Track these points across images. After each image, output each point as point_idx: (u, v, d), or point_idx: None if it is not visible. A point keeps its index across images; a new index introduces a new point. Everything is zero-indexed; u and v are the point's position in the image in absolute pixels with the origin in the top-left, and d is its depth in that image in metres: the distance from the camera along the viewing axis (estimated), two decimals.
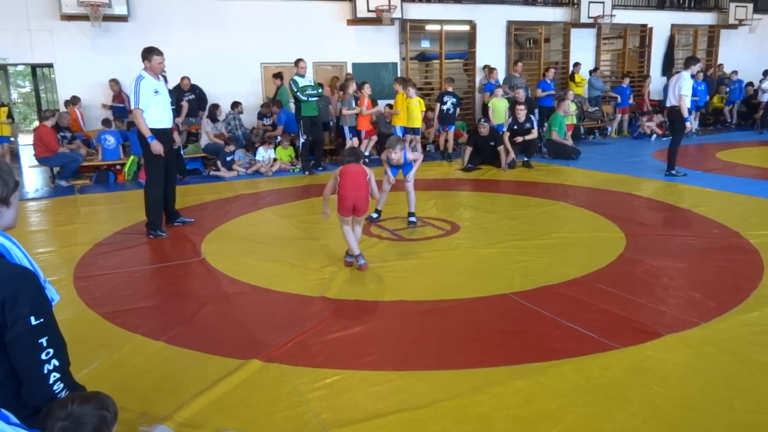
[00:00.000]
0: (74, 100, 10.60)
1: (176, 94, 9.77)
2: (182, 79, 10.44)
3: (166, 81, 6.35)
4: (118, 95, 10.75)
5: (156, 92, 5.88)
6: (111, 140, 9.74)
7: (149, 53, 5.87)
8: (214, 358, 3.24)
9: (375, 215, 6.34)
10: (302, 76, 9.63)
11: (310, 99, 9.57)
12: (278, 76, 10.97)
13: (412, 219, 6.20)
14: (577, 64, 14.18)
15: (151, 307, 4.13)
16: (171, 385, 2.98)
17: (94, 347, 3.44)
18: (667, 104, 8.65)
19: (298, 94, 9.47)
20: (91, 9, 9.97)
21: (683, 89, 8.11)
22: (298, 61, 9.71)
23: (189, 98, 10.56)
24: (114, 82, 10.71)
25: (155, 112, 5.90)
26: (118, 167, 9.89)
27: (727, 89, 15.41)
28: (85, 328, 3.75)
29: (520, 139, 9.89)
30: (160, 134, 5.96)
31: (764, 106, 14.35)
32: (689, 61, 8.51)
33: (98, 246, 5.69)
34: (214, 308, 4.05)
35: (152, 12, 10.88)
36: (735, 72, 15.43)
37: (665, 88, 13.78)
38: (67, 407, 1.78)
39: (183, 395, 2.86)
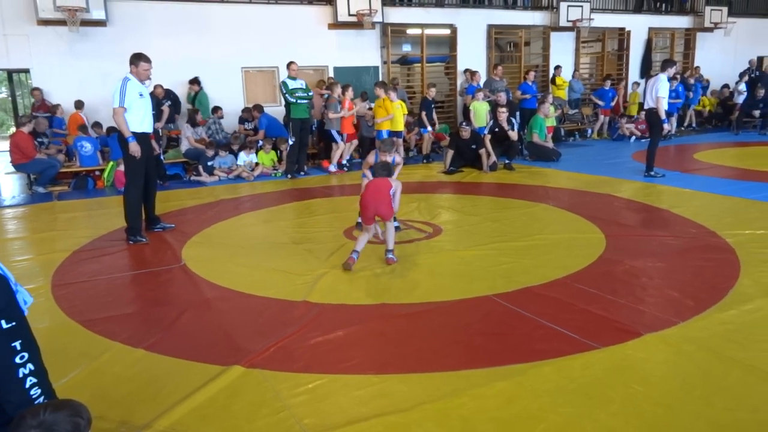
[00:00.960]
0: (78, 104, 10.43)
1: (153, 100, 9.67)
2: (155, 87, 10.18)
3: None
4: (42, 104, 10.50)
5: (140, 95, 5.90)
6: (88, 147, 9.61)
7: (137, 59, 5.90)
8: (195, 365, 3.21)
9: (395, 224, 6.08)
10: (294, 78, 9.64)
11: (299, 101, 9.58)
12: (195, 81, 10.74)
13: (395, 224, 6.14)
14: (558, 67, 14.32)
15: (131, 314, 4.08)
16: (151, 392, 2.95)
17: (72, 356, 3.39)
18: (645, 106, 8.81)
19: (287, 96, 9.48)
20: (68, 14, 9.85)
21: (660, 91, 8.24)
22: (290, 64, 9.73)
23: (168, 104, 10.46)
24: (37, 91, 10.47)
25: (137, 115, 5.90)
26: (97, 173, 9.77)
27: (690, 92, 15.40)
28: (64, 337, 3.69)
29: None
30: (140, 138, 5.93)
31: (739, 107, 14.60)
32: (666, 64, 8.63)
33: (77, 253, 5.62)
34: (195, 314, 4.01)
35: (131, 17, 10.78)
36: (697, 73, 15.55)
37: (644, 91, 14.03)
38: (39, 415, 1.75)
39: (163, 403, 2.83)
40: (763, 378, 2.89)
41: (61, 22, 10.06)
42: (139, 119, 5.93)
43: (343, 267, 4.79)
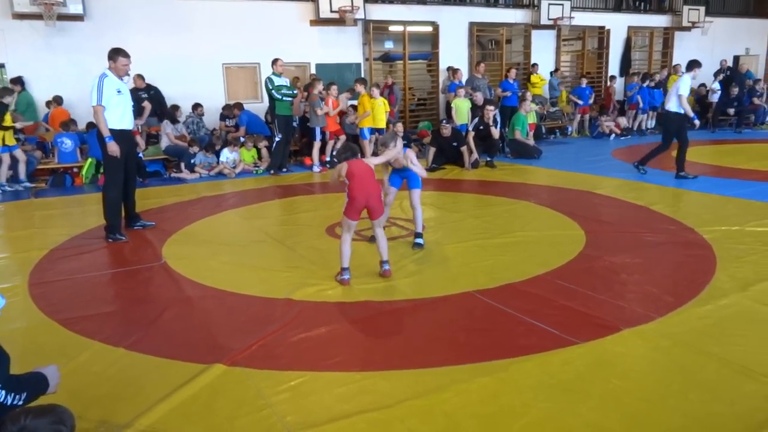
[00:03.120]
0: (58, 100, 10.22)
1: (133, 94, 9.53)
2: (135, 78, 9.97)
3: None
4: None
5: (119, 92, 5.79)
6: (68, 143, 9.47)
7: (116, 54, 5.79)
8: (176, 364, 3.19)
9: (419, 241, 5.36)
10: (279, 75, 9.58)
11: (284, 98, 9.53)
12: (17, 81, 10.15)
13: (419, 241, 5.36)
14: (534, 65, 14.42)
15: (111, 313, 4.04)
16: (131, 392, 2.92)
17: (50, 355, 3.34)
18: (665, 108, 8.36)
19: (273, 92, 9.43)
20: (44, 8, 9.66)
21: (680, 89, 8.18)
22: (275, 60, 9.66)
23: (145, 96, 10.19)
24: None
25: (116, 112, 5.81)
26: (75, 170, 9.62)
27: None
28: (42, 336, 3.64)
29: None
30: (120, 135, 5.85)
31: (715, 105, 14.84)
32: (692, 65, 8.48)
33: (54, 251, 5.53)
34: (176, 313, 3.98)
35: (109, 11, 10.61)
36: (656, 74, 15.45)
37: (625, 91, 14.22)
38: (20, 421, 1.71)
39: (144, 402, 2.80)
40: (738, 371, 2.94)
41: (37, 16, 9.86)
42: (118, 116, 5.84)
43: (382, 275, 4.49)
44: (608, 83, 15.34)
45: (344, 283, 4.38)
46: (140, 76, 10.10)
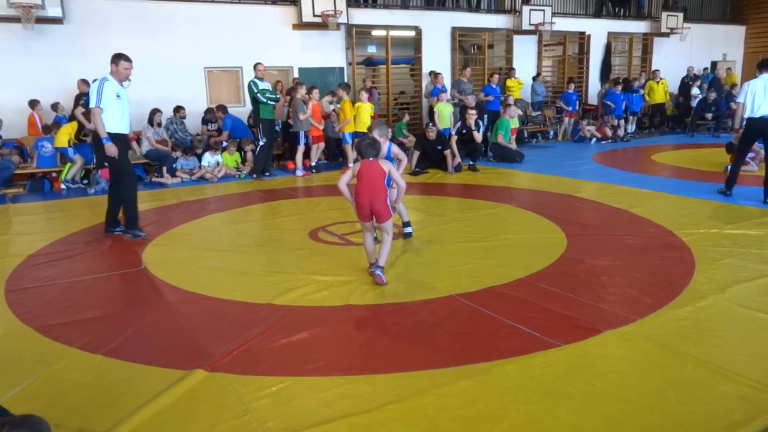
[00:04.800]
0: (32, 103, 10.07)
1: (78, 99, 9.47)
2: (80, 82, 9.78)
3: None
4: None
5: (117, 96, 5.88)
6: (48, 147, 9.35)
7: (118, 58, 5.97)
8: (156, 370, 3.16)
9: (408, 229, 5.70)
10: (261, 79, 9.55)
11: (269, 102, 9.51)
12: None
13: (408, 229, 5.74)
14: (511, 69, 14.52)
15: (89, 320, 3.98)
16: (110, 399, 2.88)
17: (27, 363, 3.29)
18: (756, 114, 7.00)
19: (258, 95, 9.39)
20: (22, 10, 9.53)
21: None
22: (257, 64, 9.62)
23: (82, 102, 9.83)
24: None
25: (114, 116, 5.89)
26: (54, 174, 9.50)
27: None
28: (18, 344, 3.58)
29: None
30: (117, 139, 5.90)
31: (694, 110, 15.07)
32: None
33: (32, 257, 5.45)
34: (156, 318, 3.94)
35: (89, 14, 10.50)
36: (635, 79, 15.56)
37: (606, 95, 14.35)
38: None
39: (123, 409, 2.77)
40: (715, 372, 2.99)
41: (15, 19, 9.73)
42: (116, 120, 5.91)
43: (372, 276, 4.47)
44: (600, 89, 15.46)
45: (377, 279, 4.36)
46: (84, 81, 9.82)
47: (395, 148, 5.43)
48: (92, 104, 5.77)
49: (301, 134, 10.06)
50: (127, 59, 5.99)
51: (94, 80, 5.98)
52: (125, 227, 6.13)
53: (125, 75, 6.00)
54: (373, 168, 4.36)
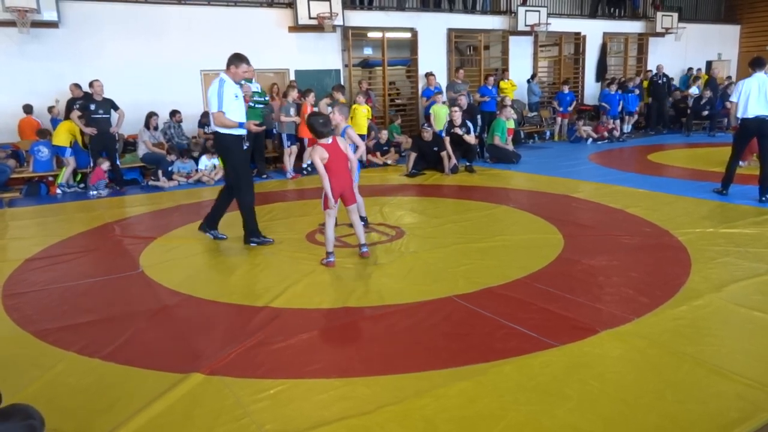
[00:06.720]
0: (27, 109, 10.03)
1: (70, 104, 9.45)
2: (72, 87, 9.74)
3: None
4: None
5: (236, 96, 5.64)
6: (45, 151, 9.33)
7: (239, 60, 5.63)
8: (154, 374, 3.15)
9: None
10: (249, 81, 9.52)
11: (256, 105, 9.48)
12: None
13: (362, 215, 6.20)
14: (505, 71, 14.54)
15: (86, 324, 3.97)
16: (107, 403, 2.88)
17: (24, 368, 3.28)
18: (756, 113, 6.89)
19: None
20: (18, 15, 9.51)
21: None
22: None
23: (77, 106, 9.58)
24: None
25: (235, 117, 5.64)
26: (50, 179, 9.48)
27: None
28: (15, 349, 3.57)
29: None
30: (237, 140, 5.74)
31: (690, 110, 15.11)
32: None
33: (29, 262, 5.44)
34: (154, 322, 3.94)
35: (84, 18, 10.48)
36: (630, 80, 15.55)
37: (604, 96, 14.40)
38: None
39: (121, 413, 2.76)
40: (711, 370, 3.00)
41: (10, 23, 9.71)
42: (238, 120, 5.68)
43: (361, 256, 5.08)
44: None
45: (330, 265, 4.86)
46: (77, 86, 9.79)
47: (351, 131, 5.91)
48: (214, 108, 5.48)
49: (284, 136, 10.04)
50: (248, 62, 5.67)
51: (213, 81, 5.63)
52: (248, 236, 5.85)
53: (241, 77, 5.74)
54: (339, 156, 4.82)
